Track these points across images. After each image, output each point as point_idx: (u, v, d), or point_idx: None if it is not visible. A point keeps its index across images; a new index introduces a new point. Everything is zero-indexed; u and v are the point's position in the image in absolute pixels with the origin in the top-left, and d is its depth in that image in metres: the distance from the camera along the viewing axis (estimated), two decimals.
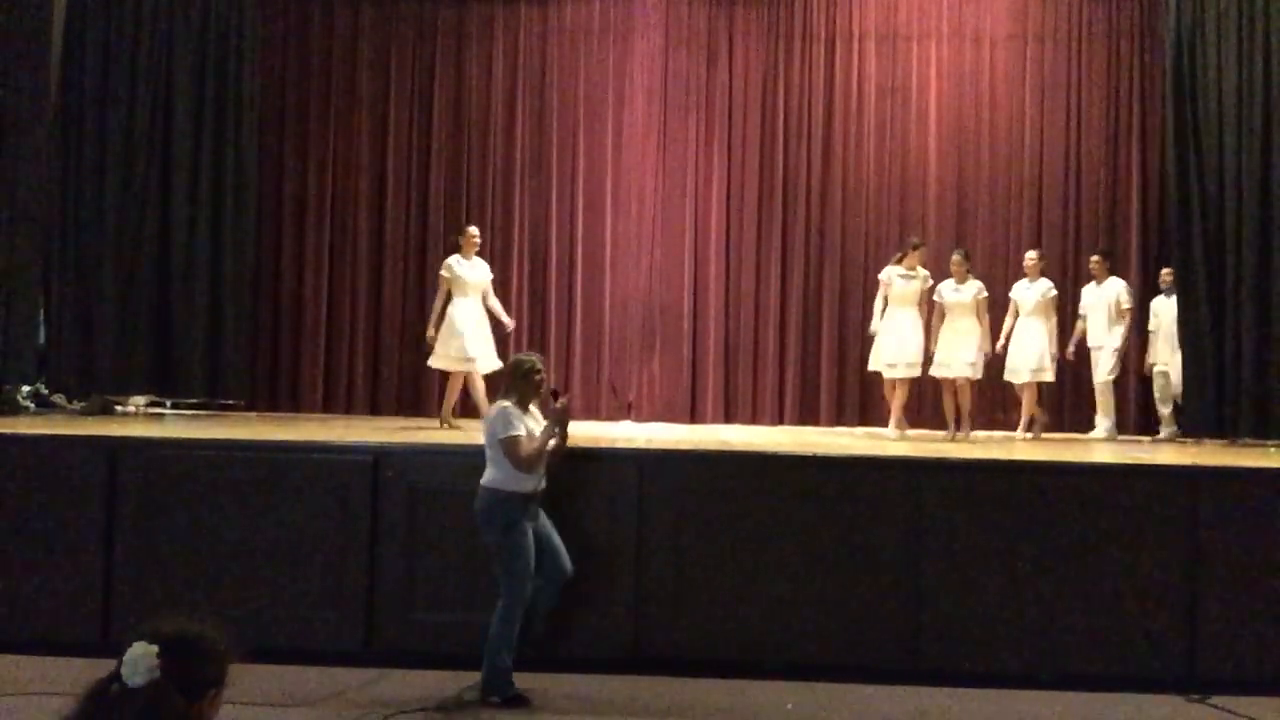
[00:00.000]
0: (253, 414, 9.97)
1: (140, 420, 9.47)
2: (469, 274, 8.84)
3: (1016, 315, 9.41)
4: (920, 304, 9.16)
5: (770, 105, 10.62)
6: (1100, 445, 8.93)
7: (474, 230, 9.06)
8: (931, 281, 9.20)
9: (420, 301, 10.51)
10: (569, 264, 10.62)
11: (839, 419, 10.28)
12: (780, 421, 10.33)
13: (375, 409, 10.39)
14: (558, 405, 5.83)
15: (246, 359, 10.28)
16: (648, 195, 10.59)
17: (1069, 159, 10.34)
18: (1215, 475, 6.60)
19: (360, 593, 6.41)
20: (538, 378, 5.79)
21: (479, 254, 9.00)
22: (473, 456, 6.80)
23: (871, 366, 9.32)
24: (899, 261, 9.28)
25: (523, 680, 5.87)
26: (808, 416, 10.33)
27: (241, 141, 10.18)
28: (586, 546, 6.17)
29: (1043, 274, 9.49)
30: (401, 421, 9.79)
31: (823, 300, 10.51)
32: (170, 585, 6.42)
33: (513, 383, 5.79)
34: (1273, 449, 8.62)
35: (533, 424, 5.68)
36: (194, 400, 10.09)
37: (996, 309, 9.42)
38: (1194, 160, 9.37)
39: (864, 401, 10.19)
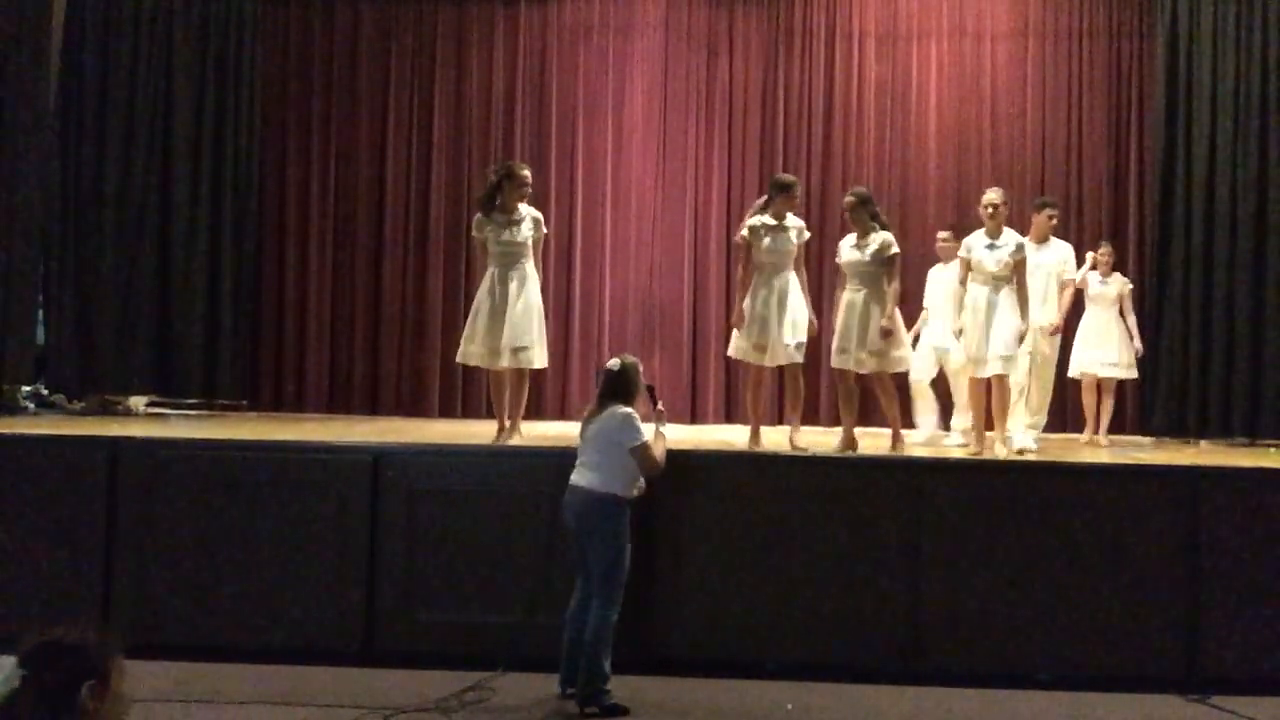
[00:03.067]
0: (253, 414, 9.96)
1: (140, 420, 9.47)
2: (494, 234, 7.23)
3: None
4: (799, 265, 7.44)
5: (770, 103, 10.61)
6: (1101, 446, 8.83)
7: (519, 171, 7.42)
8: (808, 234, 7.50)
9: (421, 300, 10.50)
10: (568, 263, 10.60)
11: (839, 419, 10.26)
12: (780, 421, 10.31)
13: (375, 409, 10.38)
14: (660, 407, 5.90)
15: (247, 359, 10.27)
16: (647, 194, 10.58)
17: (1070, 157, 10.31)
18: (1215, 475, 6.61)
19: (360, 593, 6.41)
20: (641, 379, 5.84)
21: (531, 203, 7.46)
22: (473, 457, 6.84)
23: (734, 353, 7.70)
24: (763, 209, 7.45)
25: (524, 681, 5.88)
26: (808, 416, 10.28)
27: (241, 141, 10.18)
28: None
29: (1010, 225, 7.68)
30: (401, 421, 9.79)
31: (823, 299, 10.49)
32: (170, 585, 6.43)
33: (626, 385, 5.73)
34: (1273, 449, 8.61)
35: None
36: (194, 400, 10.08)
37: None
38: (1186, 157, 9.41)
39: (863, 401, 10.15)
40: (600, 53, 10.69)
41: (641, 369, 5.91)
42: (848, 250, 7.33)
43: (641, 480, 5.67)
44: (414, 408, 10.36)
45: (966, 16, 10.48)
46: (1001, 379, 7.43)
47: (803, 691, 5.97)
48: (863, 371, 7.37)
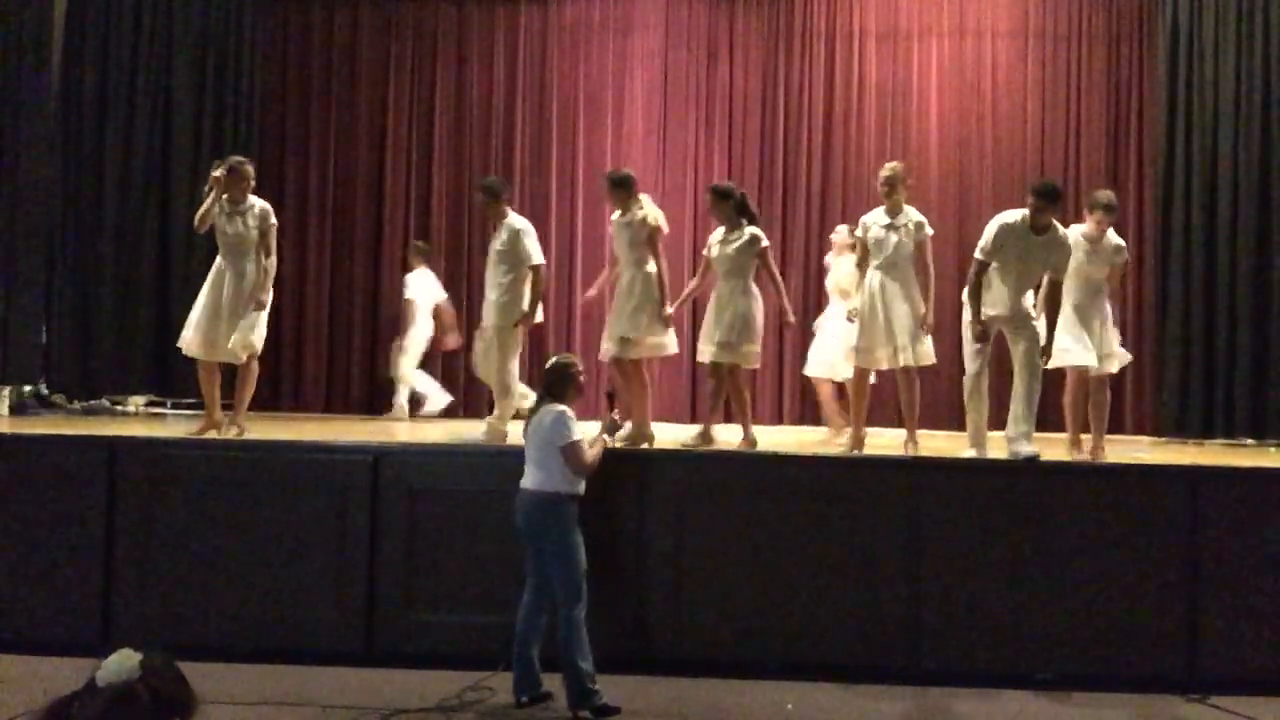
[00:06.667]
0: (253, 414, 9.94)
1: (140, 420, 9.47)
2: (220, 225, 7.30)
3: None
4: (644, 253, 7.29)
5: (770, 102, 10.61)
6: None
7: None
8: (654, 223, 7.29)
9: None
10: (569, 263, 10.61)
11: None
12: (780, 421, 10.32)
13: (375, 409, 10.38)
14: (615, 415, 5.88)
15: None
16: (647, 193, 10.56)
17: (1070, 157, 10.31)
18: (1215, 475, 6.61)
19: (360, 593, 6.41)
20: (581, 380, 5.82)
21: (256, 193, 7.44)
22: (473, 457, 6.84)
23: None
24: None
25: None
26: (808, 416, 10.31)
27: (241, 141, 10.18)
28: (588, 547, 6.15)
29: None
30: (401, 421, 9.79)
31: (823, 299, 10.49)
32: (170, 585, 6.43)
33: (560, 384, 5.69)
34: (1273, 449, 8.62)
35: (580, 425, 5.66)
36: (194, 400, 10.06)
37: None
38: (1186, 156, 9.41)
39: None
40: (600, 52, 10.70)
41: (580, 367, 5.85)
42: (716, 245, 7.31)
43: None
44: (414, 408, 10.35)
45: (967, 16, 10.48)
46: (907, 370, 7.14)
47: (803, 691, 5.97)
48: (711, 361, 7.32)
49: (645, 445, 7.04)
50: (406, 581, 6.42)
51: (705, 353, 7.33)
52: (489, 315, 7.51)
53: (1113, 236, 7.28)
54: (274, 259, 7.37)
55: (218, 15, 10.19)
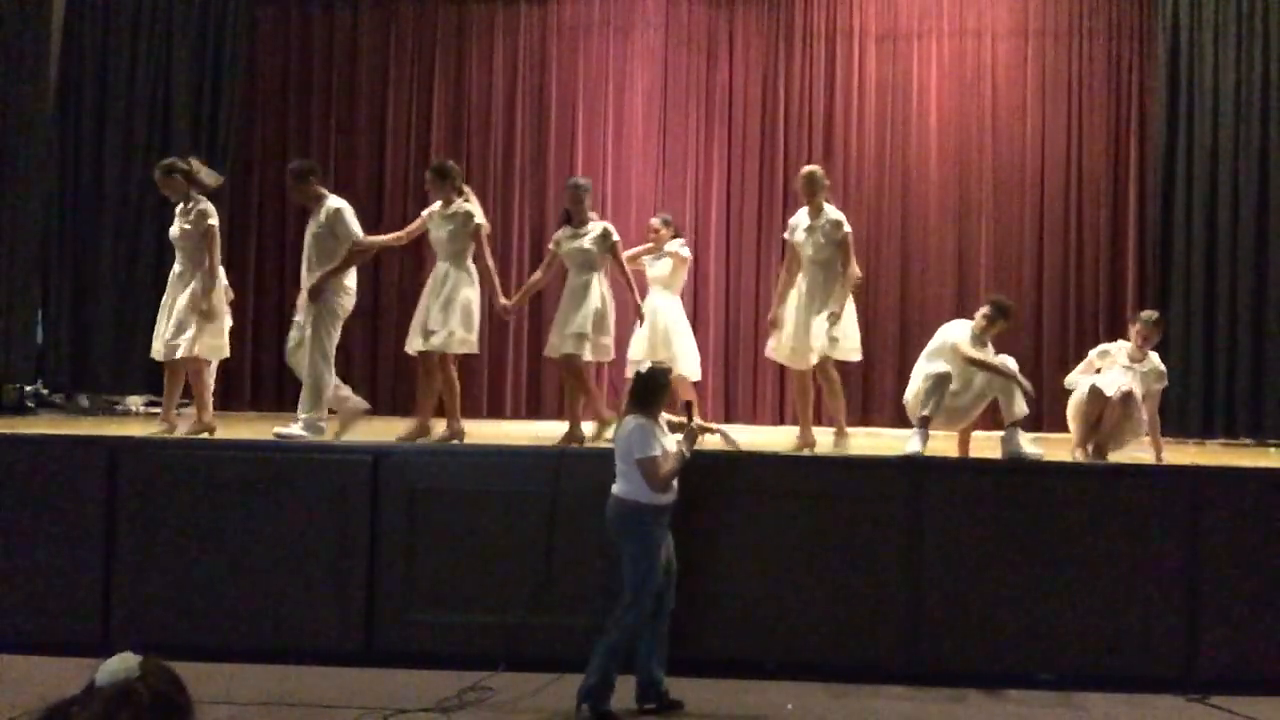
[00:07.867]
0: (253, 414, 9.96)
1: (140, 420, 9.46)
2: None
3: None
4: (464, 248, 7.21)
5: (770, 103, 10.61)
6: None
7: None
8: (479, 221, 7.17)
9: (420, 300, 10.48)
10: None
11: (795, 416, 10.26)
12: (780, 421, 10.31)
13: (376, 410, 10.36)
14: (694, 424, 5.66)
15: (246, 359, 10.27)
16: (647, 194, 10.58)
17: (1070, 156, 10.32)
18: (1215, 475, 6.61)
19: (360, 593, 6.41)
20: (669, 387, 5.67)
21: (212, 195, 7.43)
22: (473, 456, 6.84)
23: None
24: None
25: (523, 681, 5.88)
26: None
27: (241, 141, 10.19)
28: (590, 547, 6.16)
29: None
30: (401, 421, 9.77)
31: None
32: (170, 585, 6.43)
33: (648, 394, 5.50)
34: (1273, 449, 8.62)
35: (665, 438, 5.47)
36: (192, 400, 10.07)
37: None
38: (1187, 156, 9.43)
39: (865, 401, 10.16)
40: (600, 52, 10.70)
41: (669, 375, 5.73)
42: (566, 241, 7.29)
43: (674, 485, 5.50)
44: (414, 408, 10.33)
45: (967, 16, 10.48)
46: (824, 367, 7.25)
47: (803, 691, 5.97)
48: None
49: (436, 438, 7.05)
50: (406, 581, 6.42)
51: (553, 346, 7.27)
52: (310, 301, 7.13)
53: (1155, 360, 7.19)
54: (212, 262, 7.20)
55: (217, 15, 10.20)
